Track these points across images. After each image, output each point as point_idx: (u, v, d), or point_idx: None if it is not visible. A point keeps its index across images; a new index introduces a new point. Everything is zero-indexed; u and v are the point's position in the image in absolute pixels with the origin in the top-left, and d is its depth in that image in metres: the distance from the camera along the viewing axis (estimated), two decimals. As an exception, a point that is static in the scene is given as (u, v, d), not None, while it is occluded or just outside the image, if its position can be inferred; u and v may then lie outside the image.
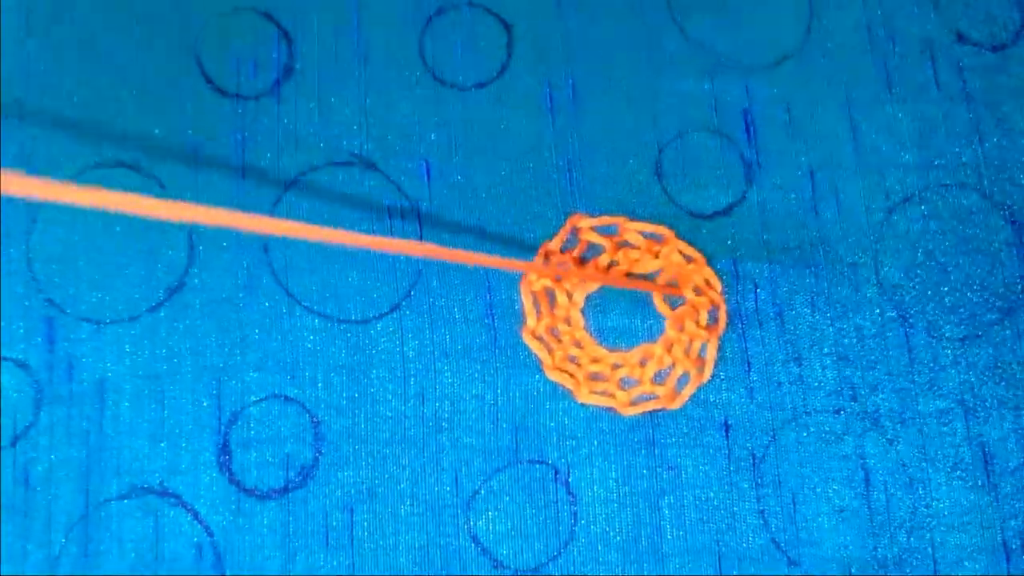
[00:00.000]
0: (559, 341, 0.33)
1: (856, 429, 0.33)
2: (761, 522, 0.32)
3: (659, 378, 0.33)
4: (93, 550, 0.32)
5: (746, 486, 0.33)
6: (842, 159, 0.35)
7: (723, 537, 0.32)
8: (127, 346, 0.34)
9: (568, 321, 0.34)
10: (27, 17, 0.36)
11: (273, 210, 0.35)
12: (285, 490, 0.33)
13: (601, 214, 0.34)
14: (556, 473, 0.33)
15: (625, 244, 0.34)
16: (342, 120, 0.35)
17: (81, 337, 0.34)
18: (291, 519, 0.33)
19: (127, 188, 0.35)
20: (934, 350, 0.34)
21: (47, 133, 0.35)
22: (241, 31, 0.36)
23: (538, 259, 0.34)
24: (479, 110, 0.36)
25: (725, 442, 0.33)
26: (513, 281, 0.34)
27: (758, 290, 0.34)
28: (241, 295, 0.34)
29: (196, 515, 0.33)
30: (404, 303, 0.34)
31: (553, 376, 0.33)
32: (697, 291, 0.34)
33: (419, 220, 0.35)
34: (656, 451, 0.33)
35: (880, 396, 0.33)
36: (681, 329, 0.33)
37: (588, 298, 0.34)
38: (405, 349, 0.34)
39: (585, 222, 0.34)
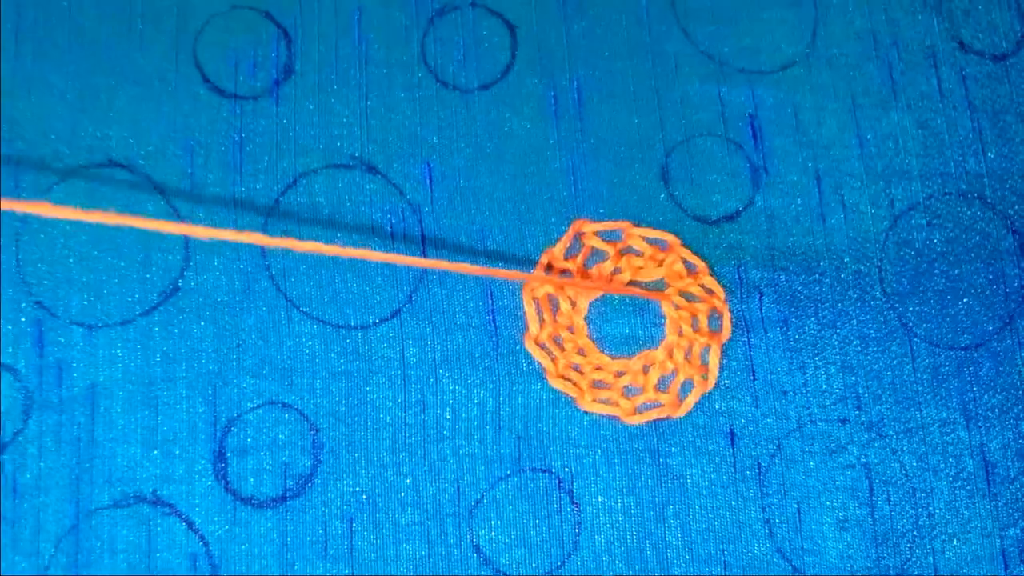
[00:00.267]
0: (562, 349, 0.33)
1: (860, 439, 0.33)
2: (766, 531, 0.32)
3: (663, 386, 0.32)
4: (83, 560, 0.31)
5: (751, 495, 0.32)
6: (848, 166, 0.35)
7: (728, 547, 0.32)
8: (119, 351, 0.32)
9: (571, 328, 0.33)
10: (20, 15, 0.35)
11: (271, 213, 0.34)
12: (283, 499, 0.32)
13: (605, 219, 0.34)
14: (559, 482, 0.32)
15: (629, 250, 0.33)
16: (342, 122, 0.34)
17: (72, 341, 0.32)
18: (289, 529, 0.31)
19: (121, 188, 0.34)
20: (937, 359, 0.33)
21: (40, 132, 0.34)
22: (240, 30, 0.35)
23: (540, 266, 0.33)
24: (482, 112, 0.35)
25: (731, 451, 0.32)
26: (516, 287, 0.33)
27: (763, 297, 0.33)
28: (238, 299, 0.33)
29: (191, 524, 0.31)
30: (405, 309, 0.33)
31: (556, 384, 0.32)
32: (690, 297, 0.33)
33: (421, 224, 0.34)
34: (661, 460, 0.32)
35: (884, 406, 0.33)
36: (680, 333, 0.32)
37: (592, 305, 0.33)
38: (406, 356, 0.33)
39: (589, 227, 0.33)
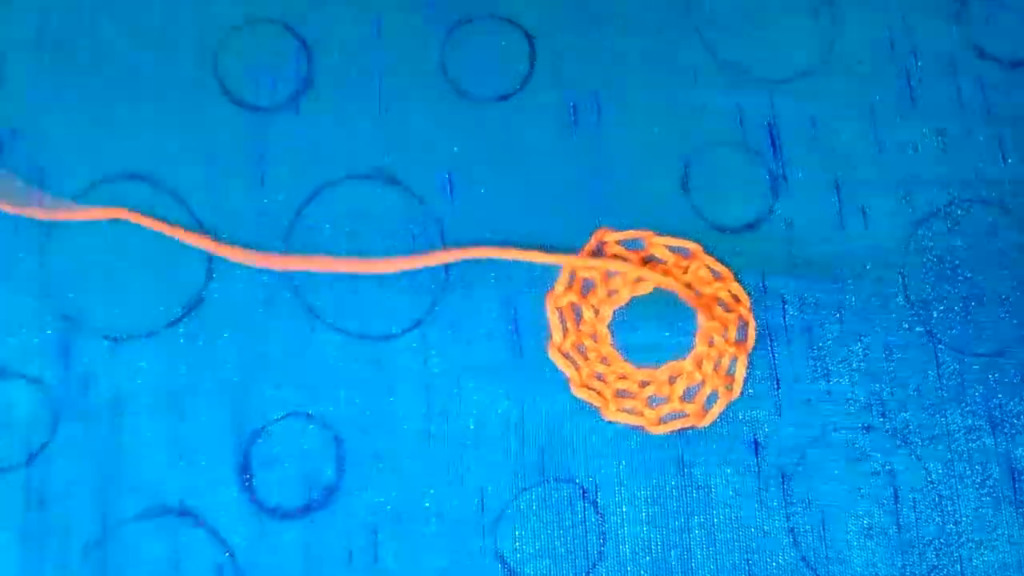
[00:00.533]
0: (586, 358, 0.32)
1: (885, 446, 0.32)
2: (791, 540, 0.31)
3: (688, 396, 0.32)
4: (111, 571, 0.31)
5: (776, 504, 0.31)
6: (867, 174, 0.34)
7: (753, 556, 0.31)
8: (144, 362, 0.32)
9: (595, 337, 0.32)
10: (43, 30, 0.34)
11: (293, 224, 0.33)
12: (307, 509, 0.31)
13: (626, 228, 0.33)
14: (584, 492, 0.31)
15: (652, 259, 0.33)
16: (362, 133, 0.34)
17: (98, 353, 0.32)
18: (313, 539, 0.31)
19: (142, 201, 0.33)
20: (962, 366, 0.32)
21: (62, 145, 0.34)
22: (261, 43, 0.34)
23: (564, 275, 0.33)
24: (501, 123, 0.34)
25: (755, 460, 0.32)
26: (539, 296, 0.33)
27: (786, 305, 0.33)
28: (261, 311, 0.32)
29: (216, 535, 0.31)
30: (427, 319, 0.33)
31: (580, 393, 0.32)
32: (724, 306, 0.32)
33: (442, 233, 0.33)
34: (686, 470, 0.32)
35: (908, 412, 0.32)
36: (710, 344, 0.32)
37: (615, 313, 0.33)
38: (429, 365, 0.32)
39: (611, 236, 0.33)
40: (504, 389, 0.32)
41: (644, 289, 0.32)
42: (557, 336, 0.32)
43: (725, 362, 0.32)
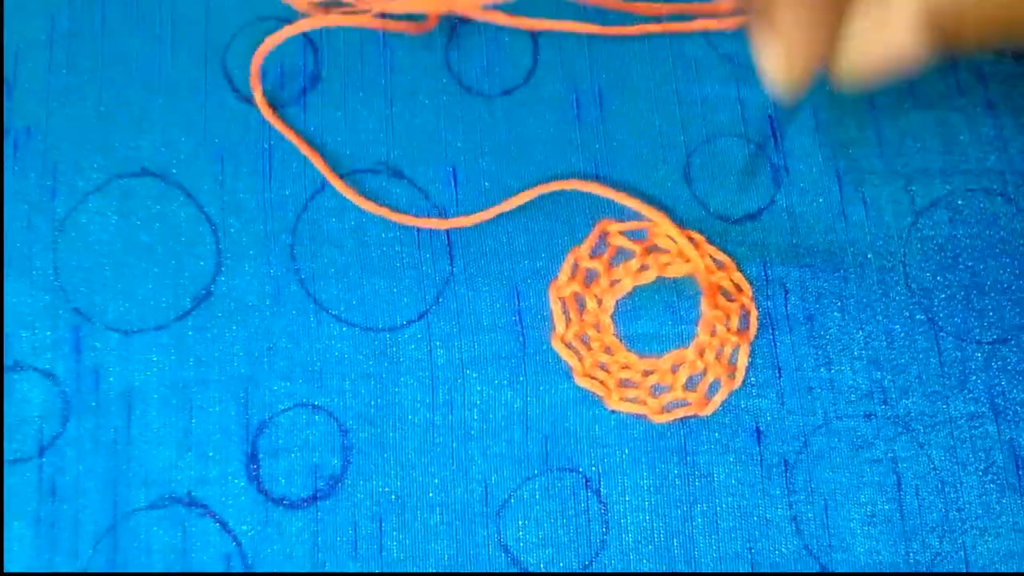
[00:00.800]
0: (589, 348, 0.31)
1: (887, 433, 0.31)
2: (794, 528, 0.30)
3: (691, 384, 0.31)
4: (121, 561, 0.30)
5: (778, 493, 0.31)
6: (868, 164, 0.33)
7: (756, 545, 0.30)
8: (154, 355, 0.32)
9: (598, 327, 0.31)
10: (52, 25, 0.34)
11: (299, 217, 0.33)
12: (314, 499, 0.31)
13: (630, 219, 0.32)
14: (587, 481, 0.31)
15: (655, 248, 0.32)
16: (368, 128, 0.33)
17: (108, 346, 0.32)
18: (320, 529, 0.30)
19: (152, 197, 0.33)
20: (964, 353, 0.32)
21: (75, 142, 0.33)
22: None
23: (567, 265, 0.32)
24: (505, 116, 0.34)
25: (757, 448, 0.31)
26: (542, 287, 0.32)
27: (788, 294, 0.32)
28: (268, 303, 0.32)
29: (224, 525, 0.30)
30: (432, 310, 0.32)
31: (583, 383, 0.31)
32: (727, 295, 0.31)
33: (444, 229, 0.33)
34: (688, 459, 0.31)
35: (911, 400, 0.31)
36: (713, 333, 0.31)
37: (618, 303, 0.32)
38: (433, 357, 0.32)
39: (614, 227, 0.32)
40: (508, 380, 0.31)
41: (647, 278, 0.31)
42: (560, 326, 0.31)
43: (727, 351, 0.31)
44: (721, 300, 0.31)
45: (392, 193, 0.33)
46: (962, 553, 0.30)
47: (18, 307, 0.32)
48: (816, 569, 0.30)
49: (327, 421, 0.31)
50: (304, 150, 0.33)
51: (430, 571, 0.30)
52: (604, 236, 0.32)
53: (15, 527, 0.30)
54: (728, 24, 0.34)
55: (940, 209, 0.33)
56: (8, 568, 0.30)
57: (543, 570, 0.30)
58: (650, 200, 0.33)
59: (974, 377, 0.31)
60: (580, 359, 0.31)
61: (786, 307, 0.32)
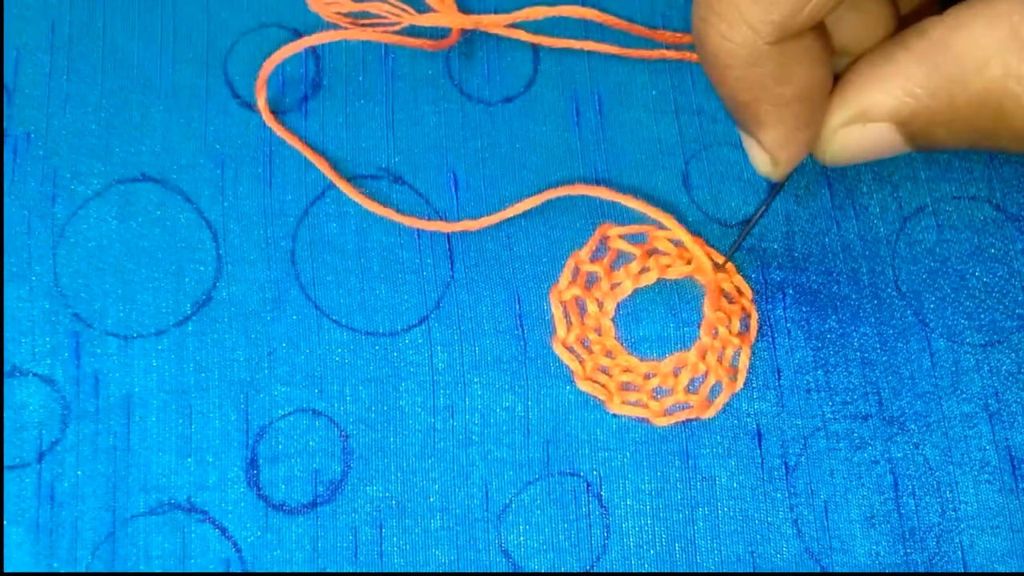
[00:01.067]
0: (590, 351, 0.30)
1: (883, 434, 0.30)
2: (795, 531, 0.29)
3: (692, 387, 0.30)
4: (120, 567, 0.29)
5: (779, 496, 0.30)
6: (856, 171, 0.33)
7: (758, 548, 0.29)
8: (154, 361, 0.30)
9: (599, 331, 0.31)
10: (53, 31, 0.33)
11: (300, 223, 0.32)
12: (314, 505, 0.29)
13: (630, 223, 0.32)
14: (588, 485, 0.30)
15: (656, 251, 0.31)
16: (369, 134, 0.33)
17: (108, 352, 0.30)
18: (320, 534, 0.29)
19: (153, 203, 0.32)
20: (956, 355, 0.31)
21: (75, 148, 0.32)
22: (271, 48, 0.33)
23: (567, 269, 0.31)
24: (505, 124, 0.33)
25: (758, 451, 0.30)
26: (543, 291, 0.31)
27: (786, 297, 0.31)
28: (269, 308, 0.31)
29: (224, 531, 0.29)
30: (433, 315, 0.31)
31: (584, 387, 0.30)
32: (728, 298, 0.31)
33: (447, 232, 0.32)
34: (690, 462, 0.30)
35: (904, 400, 0.31)
36: (714, 336, 0.30)
37: (619, 307, 0.31)
38: (434, 361, 0.31)
39: (614, 231, 0.31)
40: (509, 384, 0.30)
41: (647, 281, 0.31)
42: (561, 330, 0.30)
43: (729, 353, 0.30)
44: (723, 303, 0.30)
45: (393, 199, 0.32)
46: (959, 553, 0.29)
47: (17, 313, 0.31)
48: (818, 571, 0.29)
49: (327, 426, 0.30)
50: (309, 155, 0.32)
51: (430, 571, 0.29)
52: (604, 240, 0.31)
53: (14, 533, 0.29)
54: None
55: (926, 215, 0.32)
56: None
57: (544, 574, 0.29)
58: (652, 205, 0.32)
59: (966, 378, 0.31)
60: (581, 363, 0.30)
61: (784, 310, 0.31)
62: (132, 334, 0.31)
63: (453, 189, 0.32)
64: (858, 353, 0.31)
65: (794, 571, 0.29)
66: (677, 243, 0.31)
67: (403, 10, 0.31)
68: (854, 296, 0.31)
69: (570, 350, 0.30)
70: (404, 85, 0.33)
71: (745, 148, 0.27)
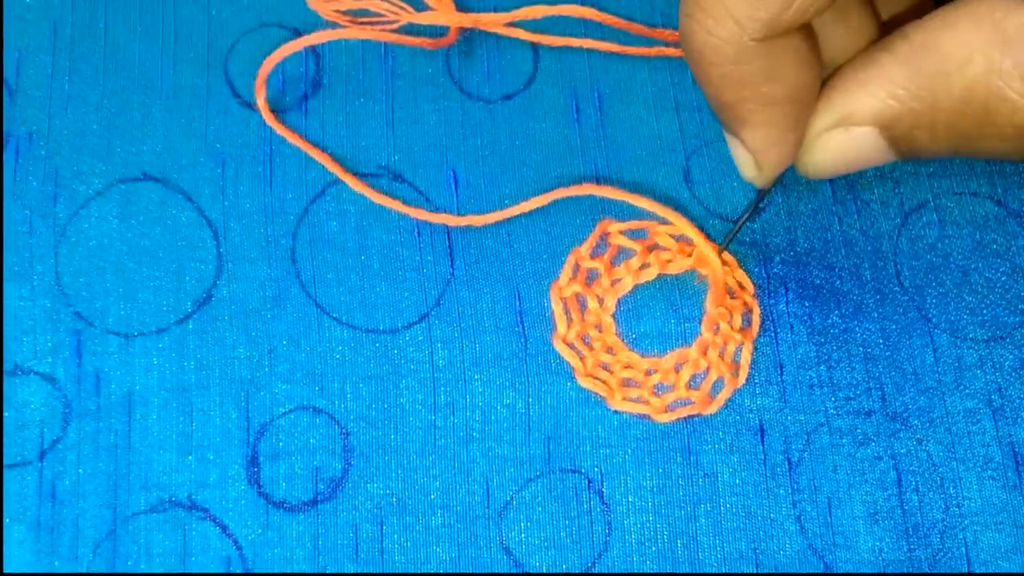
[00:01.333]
0: (590, 347, 0.30)
1: (886, 430, 0.29)
2: (798, 528, 0.29)
3: (694, 383, 0.29)
4: (120, 565, 0.28)
5: (782, 492, 0.29)
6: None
7: (760, 545, 0.28)
8: (155, 359, 0.30)
9: (599, 327, 0.30)
10: (57, 34, 0.32)
11: (300, 220, 0.31)
12: (314, 502, 0.29)
13: (630, 219, 0.31)
14: (589, 482, 0.29)
15: (656, 247, 0.30)
16: (369, 132, 0.32)
17: (109, 350, 0.30)
18: (320, 532, 0.28)
19: (154, 202, 0.31)
20: (959, 350, 0.30)
21: (76, 148, 0.31)
22: (271, 48, 0.32)
23: (567, 265, 0.30)
24: (505, 121, 0.32)
25: (761, 447, 0.29)
26: (543, 288, 0.30)
27: (788, 292, 0.30)
28: (269, 306, 0.30)
29: (224, 529, 0.28)
30: (433, 312, 0.30)
31: (585, 383, 0.29)
32: (731, 293, 0.30)
33: (447, 228, 0.31)
34: (692, 458, 0.29)
35: (907, 396, 0.30)
36: (716, 331, 0.29)
37: (619, 303, 0.30)
38: (435, 358, 0.30)
39: (614, 226, 0.30)
40: (510, 381, 0.30)
41: (648, 276, 0.30)
42: (561, 327, 0.30)
43: (731, 349, 0.29)
44: (725, 298, 0.29)
45: (393, 197, 0.31)
46: (963, 550, 0.28)
47: (19, 311, 0.30)
48: (821, 569, 0.28)
49: (328, 424, 0.29)
50: (311, 151, 0.31)
51: (431, 569, 0.28)
52: (605, 236, 0.30)
53: (15, 531, 0.28)
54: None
55: (928, 211, 0.31)
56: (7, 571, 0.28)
57: (545, 571, 0.28)
58: (656, 202, 0.31)
59: (969, 374, 0.30)
60: (582, 359, 0.29)
61: (786, 305, 0.30)
62: (133, 332, 0.30)
63: (453, 187, 0.31)
64: (861, 348, 0.30)
65: (797, 568, 0.28)
66: (678, 238, 0.30)
67: (401, 8, 0.31)
68: (856, 291, 0.30)
69: (571, 347, 0.30)
70: (404, 83, 0.32)
71: (730, 150, 0.27)
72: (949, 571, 0.28)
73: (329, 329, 0.30)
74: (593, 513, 0.29)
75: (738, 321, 0.30)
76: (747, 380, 0.29)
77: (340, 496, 0.29)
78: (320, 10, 0.31)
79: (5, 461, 0.29)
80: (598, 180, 0.31)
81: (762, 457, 0.29)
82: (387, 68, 0.32)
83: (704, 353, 0.29)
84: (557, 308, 0.30)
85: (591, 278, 0.30)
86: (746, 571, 0.28)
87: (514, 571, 0.28)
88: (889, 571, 0.28)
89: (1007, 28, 0.22)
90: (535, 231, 0.31)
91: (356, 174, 0.31)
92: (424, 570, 0.28)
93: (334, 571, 0.28)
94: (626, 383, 0.29)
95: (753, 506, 0.29)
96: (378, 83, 0.32)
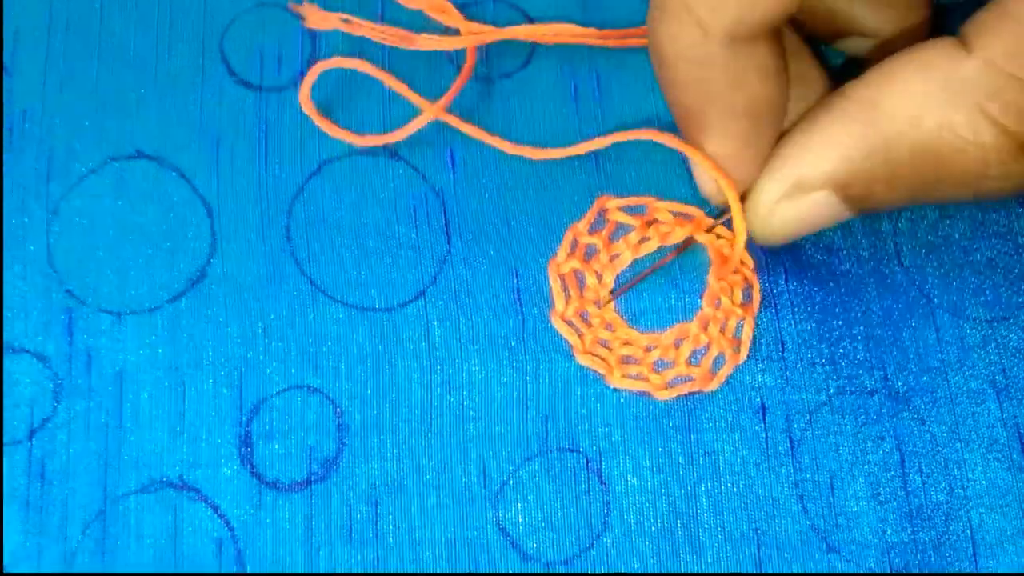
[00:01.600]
0: (589, 324, 0.29)
1: (889, 410, 0.29)
2: (800, 508, 0.28)
3: (695, 359, 0.29)
4: (110, 546, 0.28)
5: (784, 471, 0.28)
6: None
7: (762, 525, 0.28)
8: (147, 337, 0.29)
9: (598, 303, 0.29)
10: (52, 14, 0.32)
11: (296, 198, 0.31)
12: (308, 482, 0.28)
13: (629, 195, 0.30)
14: (588, 461, 0.28)
15: (655, 222, 0.30)
16: (366, 110, 0.32)
17: (101, 328, 0.29)
18: (314, 512, 0.28)
19: (147, 180, 0.31)
20: (961, 330, 0.30)
21: (71, 127, 0.31)
22: (266, 26, 0.32)
23: (565, 241, 0.30)
24: (503, 100, 0.32)
25: (762, 426, 0.29)
26: (541, 266, 0.30)
27: (787, 271, 0.30)
28: (263, 284, 0.30)
29: (216, 509, 0.28)
30: (429, 290, 0.30)
31: (583, 360, 0.29)
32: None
33: (444, 207, 0.31)
34: (692, 436, 0.29)
35: (910, 376, 0.29)
36: (717, 306, 0.29)
37: (618, 278, 0.30)
38: (431, 337, 0.29)
39: (613, 203, 0.30)
40: (507, 359, 0.29)
41: (647, 250, 0.29)
42: (559, 303, 0.29)
43: (731, 324, 0.29)
44: (729, 271, 0.29)
45: (389, 175, 0.31)
46: (968, 532, 0.28)
47: (10, 289, 0.30)
48: (823, 549, 0.28)
49: (322, 403, 0.29)
50: (360, 141, 0.31)
51: (427, 555, 0.28)
52: (603, 212, 0.30)
53: (3, 511, 0.28)
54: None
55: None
56: (4, 566, 0.28)
57: (543, 553, 0.28)
58: (649, 182, 0.31)
59: (973, 354, 0.29)
60: (580, 336, 0.29)
61: (787, 283, 0.30)
62: (125, 310, 0.30)
63: (450, 165, 0.31)
64: (863, 327, 0.30)
65: (799, 549, 0.28)
66: (677, 214, 0.30)
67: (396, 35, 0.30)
68: (856, 270, 0.30)
69: (569, 324, 0.29)
70: (400, 62, 0.32)
71: (691, 168, 0.26)
72: (954, 553, 0.28)
73: (324, 307, 0.30)
74: (591, 493, 0.28)
75: (739, 296, 0.29)
76: (748, 357, 0.29)
77: (334, 476, 0.28)
78: (322, 24, 0.30)
79: (-2, 441, 0.28)
80: (596, 161, 0.31)
81: (763, 435, 0.29)
82: (384, 47, 0.32)
83: (705, 328, 0.29)
84: (555, 285, 0.29)
85: (589, 254, 0.30)
86: (748, 551, 0.28)
87: (511, 551, 0.28)
88: (892, 554, 0.28)
89: (952, 80, 0.21)
90: (533, 208, 0.30)
91: (352, 152, 0.31)
92: (419, 551, 0.28)
93: (327, 551, 0.28)
94: (625, 360, 0.29)
95: (754, 485, 0.28)
96: (374, 60, 0.32)
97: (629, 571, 0.27)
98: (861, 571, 0.28)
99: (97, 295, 0.30)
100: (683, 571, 0.27)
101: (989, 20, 0.22)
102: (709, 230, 0.29)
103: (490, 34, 0.31)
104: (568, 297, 0.29)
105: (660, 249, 0.29)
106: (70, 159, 0.31)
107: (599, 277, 0.29)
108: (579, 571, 0.28)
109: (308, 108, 0.30)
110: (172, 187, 0.31)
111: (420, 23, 0.31)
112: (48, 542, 0.28)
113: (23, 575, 0.27)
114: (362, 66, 0.30)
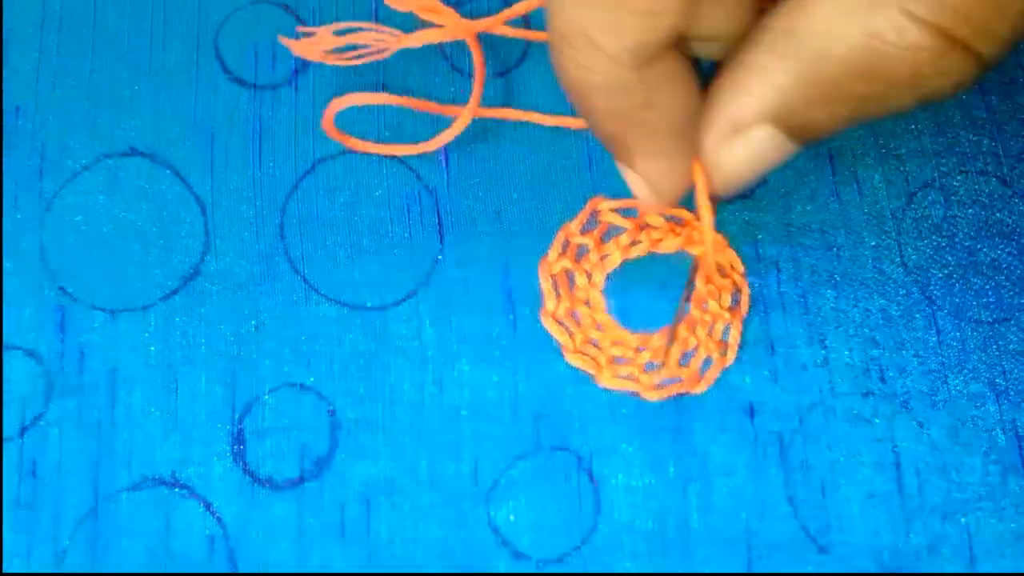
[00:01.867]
0: (579, 324, 0.29)
1: (885, 412, 0.29)
2: (790, 509, 0.28)
3: (684, 360, 0.29)
4: (102, 544, 0.28)
5: (774, 472, 0.29)
6: (860, 146, 0.32)
7: (752, 525, 0.28)
8: (140, 335, 0.30)
9: (588, 303, 0.30)
10: (46, 9, 0.33)
11: (290, 196, 0.31)
12: (300, 481, 0.29)
13: (622, 197, 0.31)
14: (579, 460, 0.29)
15: (646, 226, 0.30)
16: (360, 108, 0.32)
17: (93, 326, 0.30)
18: (306, 511, 0.28)
19: (141, 177, 0.31)
20: (962, 332, 0.30)
21: (65, 123, 0.32)
22: (261, 23, 0.33)
23: (557, 241, 0.30)
24: (498, 98, 0.32)
25: (751, 427, 0.29)
26: (532, 265, 0.30)
27: (780, 272, 0.30)
28: (256, 282, 0.30)
29: (208, 507, 0.28)
30: (421, 289, 0.30)
31: (573, 360, 0.29)
32: (721, 272, 0.30)
33: (437, 206, 0.31)
34: (682, 437, 0.29)
35: (909, 378, 0.29)
36: (705, 309, 0.29)
37: (609, 279, 0.30)
38: (423, 336, 0.30)
39: (605, 204, 0.30)
40: (498, 358, 0.29)
41: (638, 253, 0.30)
42: (550, 303, 0.29)
43: (719, 327, 0.29)
44: (716, 277, 0.29)
45: (383, 174, 0.31)
46: (966, 536, 0.28)
47: (4, 286, 0.30)
48: (814, 550, 0.28)
49: (315, 401, 0.29)
50: (376, 149, 0.31)
51: (419, 554, 0.28)
52: (595, 214, 0.30)
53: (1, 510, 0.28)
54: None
55: (934, 190, 0.31)
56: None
57: (534, 551, 0.28)
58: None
59: (974, 356, 0.30)
60: (571, 336, 0.29)
61: (778, 285, 0.30)
62: (118, 308, 0.30)
63: (444, 163, 0.31)
64: (859, 329, 0.30)
65: (790, 550, 0.28)
66: (668, 218, 0.30)
67: (391, 34, 0.30)
68: (855, 271, 0.30)
69: (559, 323, 0.29)
70: (394, 60, 0.32)
71: (625, 181, 0.26)
72: (950, 557, 0.28)
73: (317, 306, 0.30)
74: (582, 492, 0.28)
75: (727, 300, 0.29)
76: (737, 360, 0.29)
77: (326, 475, 0.29)
78: (307, 55, 0.31)
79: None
80: (591, 158, 0.31)
81: (752, 436, 0.29)
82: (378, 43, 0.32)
83: (693, 331, 0.29)
84: (546, 284, 0.29)
85: (580, 254, 0.30)
86: (738, 552, 0.28)
87: (502, 550, 0.28)
88: (886, 555, 0.28)
89: None
90: (525, 209, 0.31)
91: (346, 151, 0.31)
92: (411, 549, 0.28)
93: (320, 550, 0.28)
94: (616, 360, 0.29)
95: (745, 486, 0.28)
96: (372, 67, 0.32)
97: (620, 571, 0.28)
98: (852, 571, 0.28)
99: (90, 292, 0.30)
100: (673, 571, 0.28)
101: None
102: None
103: (480, 24, 0.31)
104: (558, 296, 0.30)
105: (650, 254, 0.30)
106: (63, 156, 0.31)
107: (589, 276, 0.30)
108: (570, 570, 0.28)
109: (336, 136, 0.30)
110: (166, 184, 0.31)
111: (412, 25, 0.32)
112: (39, 540, 0.28)
113: (23, 575, 0.28)
114: (381, 99, 0.30)
